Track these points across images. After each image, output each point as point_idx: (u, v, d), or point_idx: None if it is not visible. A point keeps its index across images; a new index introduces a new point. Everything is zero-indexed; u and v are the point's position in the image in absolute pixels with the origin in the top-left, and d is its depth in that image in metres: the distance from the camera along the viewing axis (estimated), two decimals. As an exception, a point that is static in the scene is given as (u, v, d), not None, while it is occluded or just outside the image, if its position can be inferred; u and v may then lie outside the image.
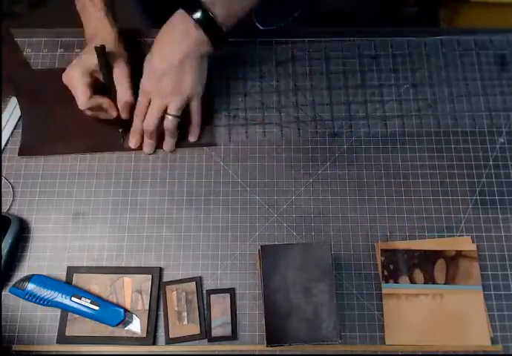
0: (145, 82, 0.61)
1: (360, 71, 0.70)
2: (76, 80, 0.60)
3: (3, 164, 0.65)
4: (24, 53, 0.71)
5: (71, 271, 0.60)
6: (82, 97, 0.60)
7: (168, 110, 0.61)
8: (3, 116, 0.67)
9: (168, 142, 0.65)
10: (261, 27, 0.73)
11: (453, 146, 0.66)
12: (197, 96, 0.63)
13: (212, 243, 0.62)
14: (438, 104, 0.68)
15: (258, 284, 0.59)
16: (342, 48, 0.71)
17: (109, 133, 0.66)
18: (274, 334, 0.51)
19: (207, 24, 0.58)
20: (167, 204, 0.64)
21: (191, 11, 0.57)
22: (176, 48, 0.59)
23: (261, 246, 0.53)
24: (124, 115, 0.64)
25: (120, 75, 0.62)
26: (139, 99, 0.63)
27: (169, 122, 0.62)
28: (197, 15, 0.57)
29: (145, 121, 0.63)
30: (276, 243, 0.61)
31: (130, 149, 0.66)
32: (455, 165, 0.65)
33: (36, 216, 0.63)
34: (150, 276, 0.60)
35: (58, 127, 0.67)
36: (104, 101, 0.62)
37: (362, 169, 0.65)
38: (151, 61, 0.61)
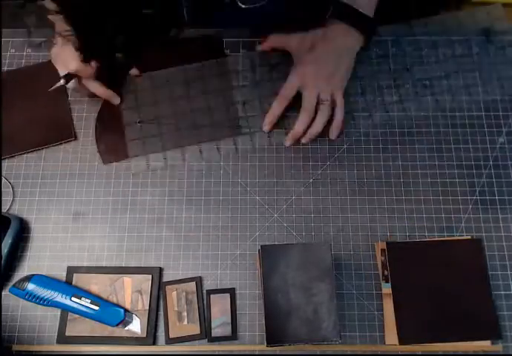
0: (306, 66, 0.65)
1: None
2: None
3: (3, 164, 0.65)
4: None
5: (71, 271, 0.60)
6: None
7: (322, 97, 0.64)
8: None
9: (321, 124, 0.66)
10: (243, 6, 0.72)
11: (453, 146, 0.66)
12: (341, 90, 0.66)
13: (212, 243, 0.62)
14: (438, 105, 0.68)
15: (258, 284, 0.59)
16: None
17: (58, 124, 0.67)
18: (274, 334, 0.51)
19: (360, 25, 0.65)
20: (167, 204, 0.64)
21: (344, 19, 0.64)
22: (339, 43, 0.65)
23: (261, 246, 0.53)
24: None
25: None
26: (289, 84, 0.65)
27: (325, 108, 0.65)
28: (349, 21, 0.64)
29: (307, 106, 0.64)
30: (276, 243, 0.61)
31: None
32: (455, 165, 0.65)
33: (36, 216, 0.63)
34: (150, 276, 0.60)
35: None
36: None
37: (362, 169, 0.65)
38: (315, 50, 0.65)
